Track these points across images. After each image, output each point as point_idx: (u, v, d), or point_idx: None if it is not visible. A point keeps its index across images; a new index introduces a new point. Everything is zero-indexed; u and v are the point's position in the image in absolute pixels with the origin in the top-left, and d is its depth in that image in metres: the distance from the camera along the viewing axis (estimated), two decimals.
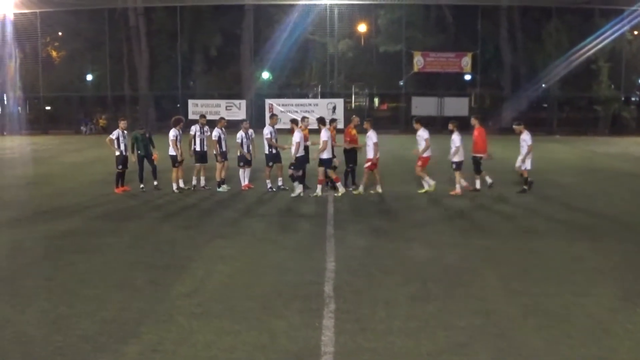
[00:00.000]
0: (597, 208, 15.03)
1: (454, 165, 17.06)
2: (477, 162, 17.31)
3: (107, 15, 46.53)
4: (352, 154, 17.28)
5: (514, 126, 17.84)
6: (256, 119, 38.10)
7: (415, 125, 17.23)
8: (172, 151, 17.07)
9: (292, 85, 49.91)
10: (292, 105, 43.70)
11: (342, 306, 7.75)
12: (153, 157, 17.35)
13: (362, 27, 49.14)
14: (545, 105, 48.32)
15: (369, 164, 16.50)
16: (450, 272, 9.33)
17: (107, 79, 48.00)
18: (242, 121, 18.37)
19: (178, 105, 45.48)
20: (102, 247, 10.98)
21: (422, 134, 16.87)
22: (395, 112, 51.88)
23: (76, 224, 13.07)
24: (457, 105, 45.12)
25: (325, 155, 16.21)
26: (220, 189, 17.10)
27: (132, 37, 48.42)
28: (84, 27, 48.55)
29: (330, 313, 7.51)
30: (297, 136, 16.29)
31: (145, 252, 10.59)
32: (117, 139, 17.10)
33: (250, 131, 17.56)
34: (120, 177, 17.25)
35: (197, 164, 17.52)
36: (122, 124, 17.52)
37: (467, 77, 48.62)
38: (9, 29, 44.85)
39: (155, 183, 17.29)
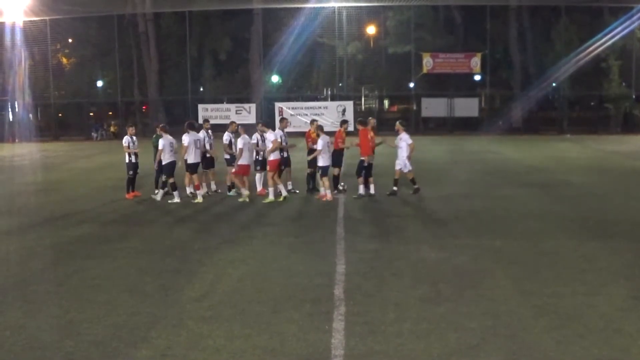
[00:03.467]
0: (609, 207, 14.95)
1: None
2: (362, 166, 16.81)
3: (116, 21, 46.86)
4: (339, 156, 17.26)
5: (396, 124, 17.42)
6: (266, 123, 38.07)
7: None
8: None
9: (301, 88, 49.93)
10: (301, 108, 43.77)
11: (352, 309, 7.74)
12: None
13: (370, 29, 49.15)
14: (556, 104, 48.12)
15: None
16: (461, 273, 9.30)
17: (117, 85, 48.23)
18: (256, 124, 18.30)
19: (188, 110, 45.60)
20: (113, 252, 11.01)
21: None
22: (406, 114, 51.82)
23: (87, 230, 13.13)
24: (467, 106, 45.12)
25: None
26: (231, 193, 17.11)
27: (142, 43, 48.69)
28: (94, 33, 48.95)
29: (340, 316, 7.50)
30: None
31: (156, 257, 10.61)
32: (128, 145, 17.14)
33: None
34: (131, 183, 17.30)
35: (205, 169, 17.55)
36: (131, 130, 17.55)
37: (477, 77, 48.51)
38: (19, 36, 45.12)
39: (165, 189, 17.33)
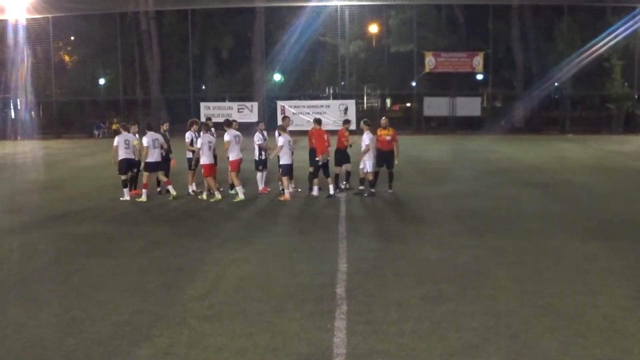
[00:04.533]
0: (610, 207, 14.94)
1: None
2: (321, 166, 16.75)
3: (119, 19, 46.81)
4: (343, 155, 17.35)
5: (361, 124, 17.33)
6: (268, 121, 38.11)
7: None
8: (188, 154, 17.11)
9: (303, 86, 49.90)
10: (304, 107, 43.75)
11: (354, 308, 7.74)
12: (171, 162, 17.42)
13: (373, 28, 49.11)
14: (558, 104, 48.06)
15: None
16: (463, 273, 9.30)
17: (119, 83, 48.25)
18: (257, 123, 18.26)
19: (190, 108, 45.58)
20: (115, 250, 11.02)
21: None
22: (408, 113, 51.81)
23: (89, 228, 13.13)
24: (469, 105, 45.05)
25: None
26: (233, 192, 17.11)
27: (144, 41, 48.65)
28: (96, 31, 48.90)
29: (342, 315, 7.50)
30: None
31: (158, 255, 10.62)
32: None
33: (265, 133, 17.52)
34: (133, 181, 17.32)
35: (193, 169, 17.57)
36: (133, 128, 17.58)
37: (479, 76, 48.45)
38: (22, 33, 45.13)
39: (159, 189, 17.33)
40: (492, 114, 47.10)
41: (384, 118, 17.76)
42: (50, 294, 8.55)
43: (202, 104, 44.97)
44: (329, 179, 16.66)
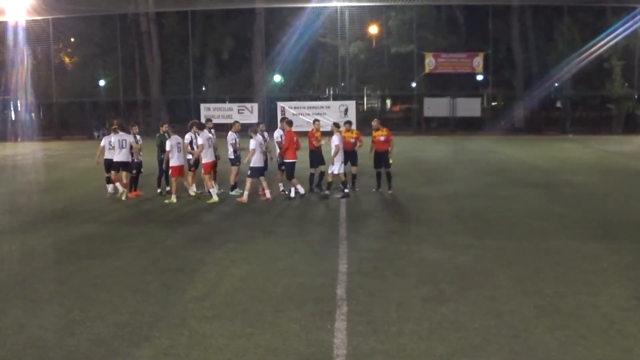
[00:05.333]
0: (611, 207, 14.94)
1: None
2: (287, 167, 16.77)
3: (119, 21, 46.84)
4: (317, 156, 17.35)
5: (332, 126, 17.30)
6: (268, 122, 38.13)
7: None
8: (187, 155, 17.14)
9: (304, 87, 49.89)
10: (304, 107, 43.74)
11: (354, 308, 7.74)
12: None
13: (373, 29, 49.10)
14: (559, 104, 48.00)
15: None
16: (463, 273, 9.30)
17: (120, 84, 48.25)
18: (257, 124, 18.28)
19: (190, 110, 45.58)
20: (115, 251, 11.02)
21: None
22: (408, 114, 51.81)
23: (89, 229, 13.14)
24: (470, 106, 45.03)
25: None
26: (233, 193, 17.11)
27: (144, 42, 48.67)
28: (96, 33, 48.96)
29: (342, 315, 7.50)
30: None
31: (158, 256, 10.62)
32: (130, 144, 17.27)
33: (266, 134, 17.51)
34: (134, 182, 17.36)
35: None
36: (134, 129, 17.66)
37: (479, 77, 48.42)
38: (22, 35, 45.13)
39: (168, 188, 17.31)
40: (492, 115, 47.07)
41: (375, 120, 17.74)
42: (51, 295, 8.55)
43: (203, 105, 44.96)
44: (294, 180, 16.58)
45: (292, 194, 16.54)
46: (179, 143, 16.46)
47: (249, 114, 43.79)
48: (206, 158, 16.45)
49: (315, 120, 17.92)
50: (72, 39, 51.89)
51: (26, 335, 7.05)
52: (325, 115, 40.30)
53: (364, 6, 44.61)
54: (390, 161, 17.15)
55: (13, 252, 11.22)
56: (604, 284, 8.70)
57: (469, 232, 12.22)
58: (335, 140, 16.48)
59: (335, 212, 14.58)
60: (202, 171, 16.46)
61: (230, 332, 7.07)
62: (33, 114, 48.57)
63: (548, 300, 7.96)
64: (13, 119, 48.98)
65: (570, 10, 44.12)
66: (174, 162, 16.26)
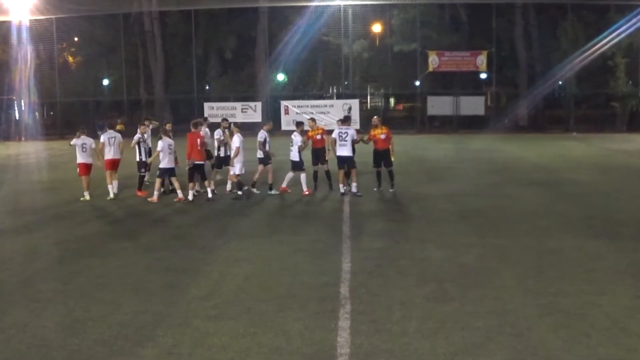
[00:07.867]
0: (614, 206, 14.90)
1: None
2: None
3: (122, 20, 46.84)
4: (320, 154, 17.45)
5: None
6: (271, 121, 38.15)
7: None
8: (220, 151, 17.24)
9: (307, 86, 49.85)
10: (307, 106, 43.71)
11: (357, 307, 7.74)
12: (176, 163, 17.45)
13: (376, 27, 49.03)
14: (562, 103, 47.91)
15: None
16: (466, 272, 9.29)
17: (123, 84, 48.27)
18: (263, 123, 18.25)
19: (194, 109, 45.57)
20: (118, 250, 11.04)
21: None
22: (411, 112, 51.74)
23: (92, 228, 13.17)
24: (473, 104, 44.94)
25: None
26: (272, 192, 17.06)
27: (147, 42, 48.63)
28: (100, 32, 48.92)
29: (345, 314, 7.50)
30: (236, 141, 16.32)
31: (161, 256, 10.63)
32: (138, 144, 17.30)
33: (267, 134, 17.49)
34: (142, 181, 17.48)
35: (218, 169, 17.56)
36: (142, 128, 17.69)
37: (483, 75, 48.29)
38: (25, 35, 45.17)
39: (171, 187, 17.31)
40: (495, 113, 46.98)
41: (375, 117, 17.70)
42: (54, 294, 8.56)
43: (206, 104, 44.94)
44: (207, 182, 16.62)
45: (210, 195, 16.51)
46: (170, 145, 16.40)
47: (253, 112, 43.80)
48: (109, 156, 16.88)
49: (311, 119, 17.96)
50: (76, 39, 51.88)
51: (29, 335, 7.06)
52: (329, 114, 40.31)
53: (367, 5, 44.52)
54: (392, 159, 17.11)
55: (16, 252, 11.22)
56: (607, 282, 8.68)
57: (472, 231, 12.21)
58: (237, 141, 16.37)
59: (338, 211, 14.56)
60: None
61: (233, 331, 7.07)
62: (37, 114, 48.60)
63: (551, 299, 7.94)
64: (17, 118, 48.98)
65: (574, 8, 43.98)
66: (164, 164, 16.21)
